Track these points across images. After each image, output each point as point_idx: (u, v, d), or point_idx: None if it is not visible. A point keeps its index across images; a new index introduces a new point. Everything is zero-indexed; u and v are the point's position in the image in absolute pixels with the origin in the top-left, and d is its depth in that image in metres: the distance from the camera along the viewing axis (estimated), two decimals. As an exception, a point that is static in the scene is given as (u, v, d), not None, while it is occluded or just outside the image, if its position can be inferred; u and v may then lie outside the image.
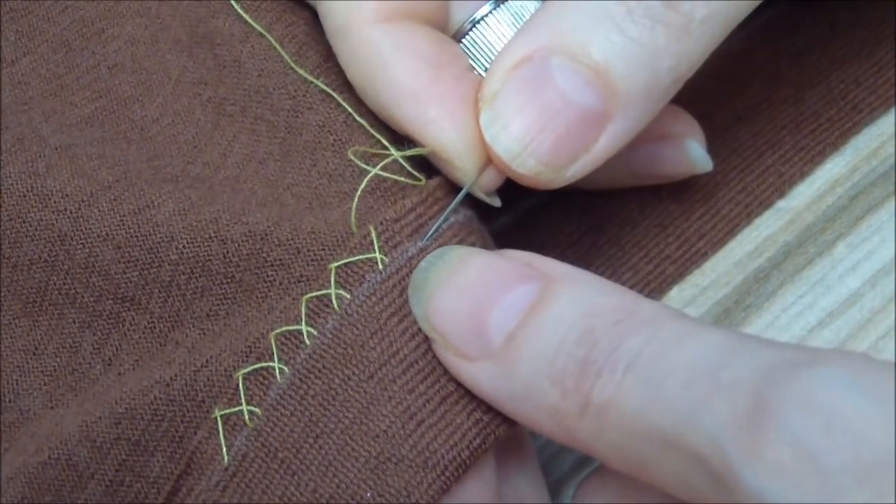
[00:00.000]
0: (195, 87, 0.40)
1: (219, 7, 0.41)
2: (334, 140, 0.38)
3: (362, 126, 0.37)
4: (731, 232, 0.44)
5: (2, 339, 0.38)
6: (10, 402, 0.37)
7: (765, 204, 0.45)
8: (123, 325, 0.37)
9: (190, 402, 0.35)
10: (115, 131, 0.40)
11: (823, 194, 0.45)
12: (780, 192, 0.45)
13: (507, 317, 0.33)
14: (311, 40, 0.40)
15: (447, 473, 0.33)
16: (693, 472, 0.29)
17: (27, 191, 0.37)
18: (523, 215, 0.45)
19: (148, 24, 0.42)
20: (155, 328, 0.37)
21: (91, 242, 0.37)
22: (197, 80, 0.40)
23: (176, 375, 0.35)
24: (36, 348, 0.37)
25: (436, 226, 0.36)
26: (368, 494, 0.33)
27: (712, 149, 0.43)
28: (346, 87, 0.38)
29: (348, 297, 0.35)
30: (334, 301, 0.35)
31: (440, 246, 0.35)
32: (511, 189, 0.37)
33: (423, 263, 0.35)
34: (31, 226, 0.37)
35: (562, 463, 0.41)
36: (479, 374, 0.33)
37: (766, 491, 0.27)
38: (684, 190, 0.45)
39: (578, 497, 0.36)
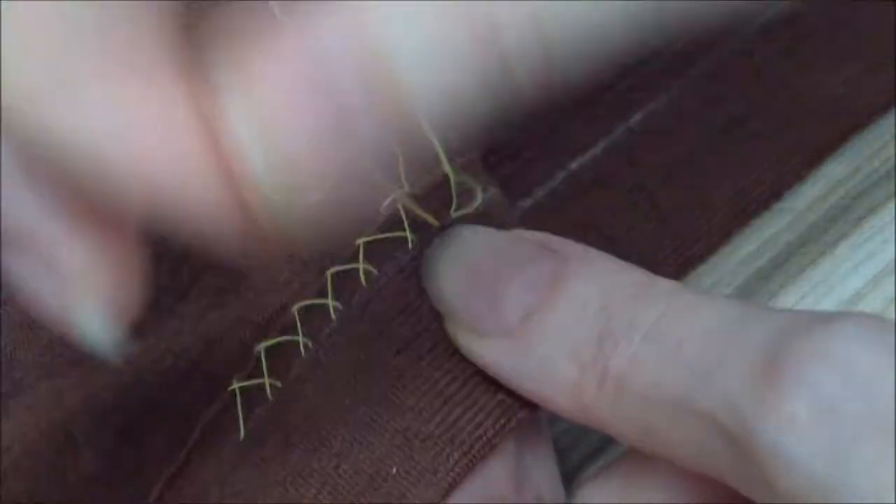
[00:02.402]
0: None
1: None
2: None
3: None
4: (729, 233, 0.44)
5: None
6: (5, 374, 0.35)
7: (764, 204, 0.44)
8: None
9: (203, 375, 0.34)
10: None
11: (826, 194, 0.45)
12: (779, 193, 0.45)
13: (523, 295, 0.33)
14: None
15: (473, 451, 0.33)
16: (707, 437, 0.29)
17: None
18: (521, 215, 0.45)
19: None
20: (160, 302, 0.36)
21: None
22: None
23: (187, 347, 0.34)
24: (33, 322, 0.36)
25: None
26: (394, 470, 0.32)
27: (711, 149, 0.43)
28: None
29: (375, 272, 0.34)
30: (362, 276, 0.34)
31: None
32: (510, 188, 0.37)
33: (436, 240, 0.34)
34: None
35: (569, 459, 0.40)
36: (493, 352, 0.33)
37: (781, 444, 0.27)
38: (680, 189, 0.45)
39: (579, 498, 0.35)
